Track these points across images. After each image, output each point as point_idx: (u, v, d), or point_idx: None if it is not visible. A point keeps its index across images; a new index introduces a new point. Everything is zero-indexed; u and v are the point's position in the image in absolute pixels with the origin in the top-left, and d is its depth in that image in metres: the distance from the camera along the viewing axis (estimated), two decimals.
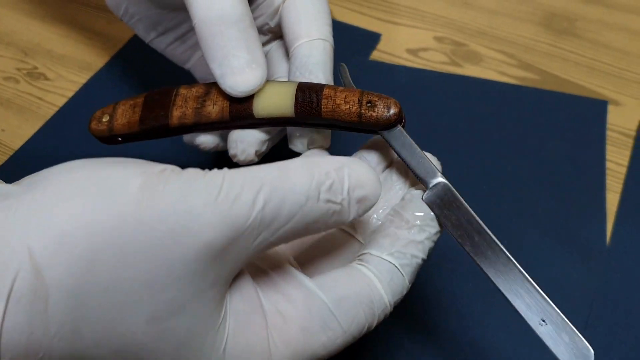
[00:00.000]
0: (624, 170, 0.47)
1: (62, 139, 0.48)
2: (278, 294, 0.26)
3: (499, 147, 0.48)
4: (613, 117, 0.50)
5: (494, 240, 0.30)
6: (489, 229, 0.30)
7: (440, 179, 0.31)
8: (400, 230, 0.29)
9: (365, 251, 0.29)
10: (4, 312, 0.21)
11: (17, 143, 0.48)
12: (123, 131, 0.34)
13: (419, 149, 0.32)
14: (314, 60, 0.35)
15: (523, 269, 0.32)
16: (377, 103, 0.32)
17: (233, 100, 0.33)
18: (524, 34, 0.56)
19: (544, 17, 0.58)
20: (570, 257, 0.42)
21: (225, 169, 0.24)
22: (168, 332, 0.23)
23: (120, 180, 0.22)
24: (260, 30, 0.39)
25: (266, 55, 0.39)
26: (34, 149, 0.48)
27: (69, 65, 0.54)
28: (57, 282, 0.21)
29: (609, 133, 0.49)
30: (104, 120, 0.35)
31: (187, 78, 0.43)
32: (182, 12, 0.39)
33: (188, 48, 0.41)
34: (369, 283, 0.27)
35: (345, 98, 0.32)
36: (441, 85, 0.52)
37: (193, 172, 0.24)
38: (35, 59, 0.54)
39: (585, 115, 0.50)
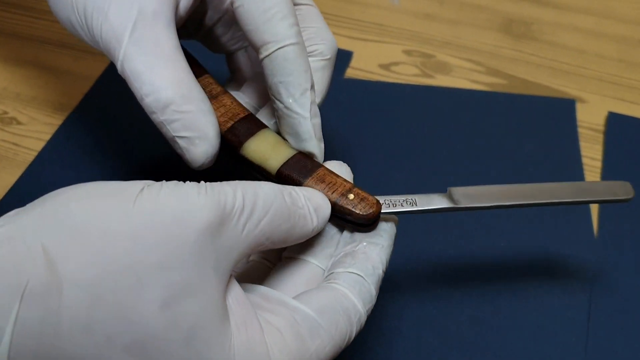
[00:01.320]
0: (599, 164, 0.50)
1: (47, 184, 0.47)
2: (264, 310, 0.28)
3: (478, 153, 0.50)
4: (580, 114, 0.53)
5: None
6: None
7: (446, 192, 0.34)
8: (357, 247, 0.32)
9: (332, 271, 0.31)
10: (17, 313, 0.22)
11: None
12: None
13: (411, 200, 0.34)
14: (280, 80, 0.33)
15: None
16: (359, 202, 0.32)
17: (239, 122, 0.34)
18: (486, 41, 0.59)
19: (503, 23, 0.61)
20: (561, 252, 0.45)
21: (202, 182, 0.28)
22: (178, 318, 0.24)
23: (124, 187, 0.25)
24: (222, 39, 0.40)
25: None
26: (18, 198, 0.46)
27: (40, 107, 0.52)
28: (71, 274, 0.22)
29: (579, 130, 0.52)
30: None
31: None
32: None
33: None
34: (342, 294, 0.29)
35: (330, 186, 0.32)
36: (416, 98, 0.54)
37: (176, 181, 0.27)
38: (4, 103, 0.53)
39: (556, 115, 0.52)
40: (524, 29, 0.60)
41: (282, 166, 0.32)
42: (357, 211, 0.32)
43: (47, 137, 0.50)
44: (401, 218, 0.34)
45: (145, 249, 0.23)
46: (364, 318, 0.30)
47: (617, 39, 0.60)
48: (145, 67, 0.31)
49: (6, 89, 0.54)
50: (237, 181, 0.28)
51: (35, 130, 0.51)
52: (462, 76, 0.56)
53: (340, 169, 0.34)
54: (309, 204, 0.30)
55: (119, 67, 0.32)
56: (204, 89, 0.34)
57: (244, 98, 0.38)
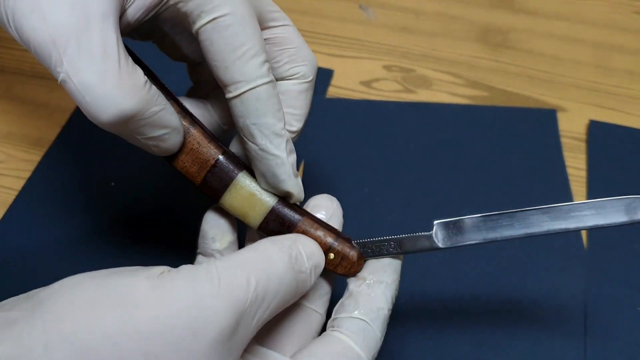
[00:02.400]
0: (584, 173, 0.50)
1: (30, 225, 0.46)
2: None
3: (463, 168, 0.50)
4: (562, 123, 0.53)
5: (500, 214, 0.33)
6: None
7: (433, 231, 0.33)
8: (360, 287, 0.32)
9: (335, 317, 0.31)
10: None
11: None
12: None
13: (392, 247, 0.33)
14: (253, 122, 0.31)
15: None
16: (339, 262, 0.32)
17: (211, 172, 0.32)
18: (464, 52, 0.59)
19: (479, 32, 0.61)
20: (553, 267, 0.45)
21: (212, 259, 0.27)
22: None
23: (130, 288, 0.24)
24: (185, 50, 0.37)
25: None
26: (2, 242, 0.45)
27: (17, 143, 0.51)
28: None
29: (562, 140, 0.52)
30: None
31: None
32: None
33: None
34: (345, 346, 0.29)
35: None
36: (399, 115, 0.53)
37: (188, 268, 0.26)
38: None
39: (538, 126, 0.53)
40: (501, 37, 0.60)
41: (262, 222, 0.32)
42: (338, 272, 0.32)
43: (27, 174, 0.49)
44: None
45: None
46: None
47: (591, 43, 0.60)
48: (98, 79, 0.27)
49: None
50: (249, 260, 0.27)
51: (14, 167, 0.49)
52: (442, 89, 0.56)
53: (330, 204, 0.34)
54: (310, 263, 0.30)
55: (60, 77, 0.27)
56: None
57: (210, 110, 0.36)
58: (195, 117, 0.33)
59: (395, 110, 0.54)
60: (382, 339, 0.31)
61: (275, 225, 0.32)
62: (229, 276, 0.26)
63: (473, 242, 0.33)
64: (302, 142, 0.51)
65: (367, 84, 0.56)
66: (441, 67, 0.58)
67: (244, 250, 0.28)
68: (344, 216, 0.35)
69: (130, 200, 0.47)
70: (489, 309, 0.43)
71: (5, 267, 0.44)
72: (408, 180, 0.49)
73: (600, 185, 0.49)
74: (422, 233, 0.33)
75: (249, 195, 0.32)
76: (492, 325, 0.42)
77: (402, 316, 0.42)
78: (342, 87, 0.56)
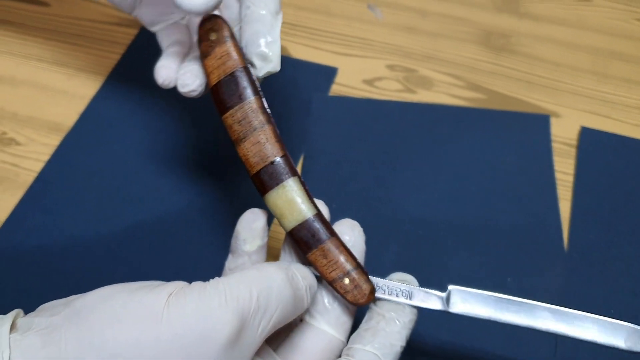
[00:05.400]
0: (571, 178, 0.52)
1: (47, 206, 0.49)
2: None
3: (458, 168, 0.53)
4: (555, 128, 0.56)
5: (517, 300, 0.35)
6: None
7: (445, 293, 0.35)
8: (379, 323, 0.34)
9: (350, 345, 0.34)
10: None
11: (1, 215, 0.49)
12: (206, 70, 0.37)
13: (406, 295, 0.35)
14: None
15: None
16: (351, 289, 0.34)
17: (266, 168, 0.35)
18: (466, 55, 0.61)
19: (482, 35, 0.63)
20: (533, 265, 0.48)
21: (217, 278, 0.30)
22: None
23: (151, 303, 0.28)
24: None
25: None
26: (21, 220, 0.49)
27: (37, 128, 0.54)
28: None
29: (553, 145, 0.54)
30: (211, 38, 0.36)
31: (162, 127, 0.46)
32: None
33: None
34: None
35: (330, 264, 0.35)
36: (398, 114, 0.56)
37: (199, 285, 0.29)
38: (2, 123, 0.54)
39: (531, 131, 0.55)
40: (503, 41, 0.62)
41: (294, 228, 0.35)
42: (348, 298, 0.34)
43: (46, 157, 0.52)
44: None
45: None
46: None
47: (591, 50, 0.62)
48: None
49: (3, 109, 0.55)
50: (251, 276, 0.30)
51: (34, 151, 0.53)
52: (443, 91, 0.58)
53: (352, 231, 0.36)
54: (305, 284, 0.33)
55: None
56: (249, 113, 0.35)
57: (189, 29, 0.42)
58: (271, 117, 0.36)
59: (395, 109, 0.56)
60: None
61: (305, 235, 0.35)
62: (234, 290, 0.29)
63: (479, 316, 0.35)
64: (302, 137, 0.54)
65: (369, 82, 0.58)
66: (443, 69, 0.60)
67: (247, 269, 0.31)
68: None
69: (146, 191, 0.51)
70: None
71: (25, 244, 0.47)
72: (402, 178, 0.52)
73: (586, 191, 0.51)
74: (435, 292, 0.35)
75: (294, 198, 0.35)
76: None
77: None
78: (346, 85, 0.58)
